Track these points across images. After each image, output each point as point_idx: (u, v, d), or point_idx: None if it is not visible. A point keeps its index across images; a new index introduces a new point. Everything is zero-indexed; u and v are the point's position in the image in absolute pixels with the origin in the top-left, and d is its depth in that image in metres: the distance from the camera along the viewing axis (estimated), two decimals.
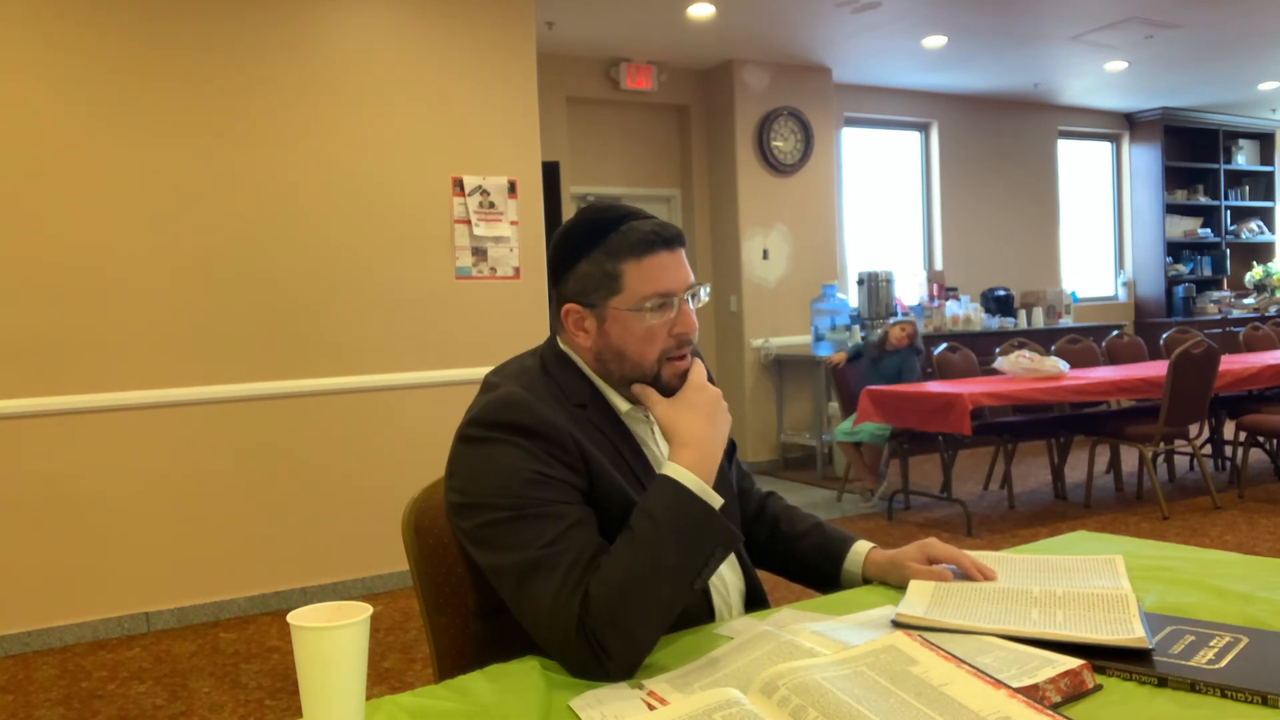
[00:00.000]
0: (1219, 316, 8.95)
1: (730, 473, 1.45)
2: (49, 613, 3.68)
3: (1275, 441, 5.86)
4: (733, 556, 1.39)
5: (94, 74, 3.75)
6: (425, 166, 4.34)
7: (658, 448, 1.36)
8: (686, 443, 1.19)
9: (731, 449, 1.47)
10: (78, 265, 3.73)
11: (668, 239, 1.26)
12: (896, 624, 1.14)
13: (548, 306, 4.59)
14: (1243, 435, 5.54)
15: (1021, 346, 5.62)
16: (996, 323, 7.67)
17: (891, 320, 5.79)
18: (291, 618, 0.91)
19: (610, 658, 1.07)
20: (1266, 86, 8.30)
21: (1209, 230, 9.42)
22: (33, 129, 3.66)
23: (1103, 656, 1.02)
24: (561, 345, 1.34)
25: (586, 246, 1.26)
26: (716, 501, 1.16)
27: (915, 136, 8.06)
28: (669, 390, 1.27)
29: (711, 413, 1.23)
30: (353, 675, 0.91)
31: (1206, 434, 6.28)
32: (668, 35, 6.03)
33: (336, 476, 4.18)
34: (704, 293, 1.31)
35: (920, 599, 1.22)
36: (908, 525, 5.04)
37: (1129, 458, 6.16)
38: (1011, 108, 8.39)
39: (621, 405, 1.32)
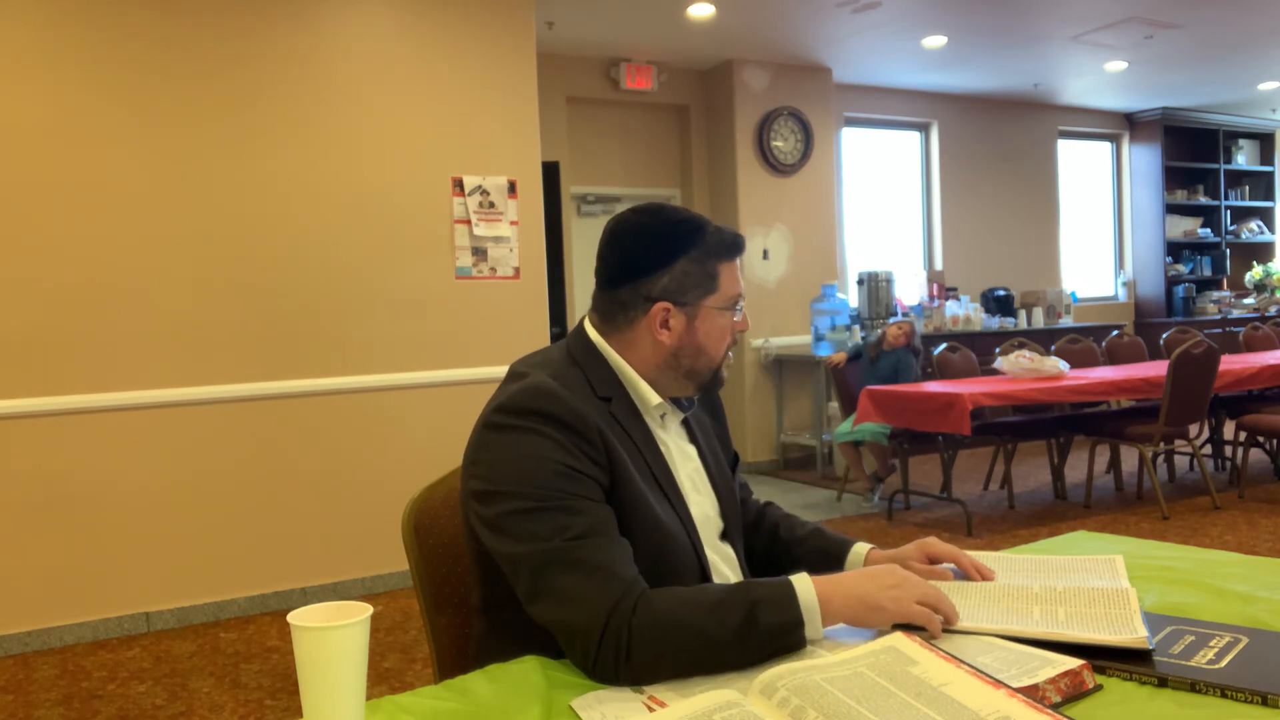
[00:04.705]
0: (1219, 316, 8.95)
1: (735, 480, 1.47)
2: (49, 613, 3.68)
3: (1275, 441, 5.86)
4: (736, 564, 1.40)
5: (93, 74, 3.75)
6: (425, 166, 4.34)
7: (675, 448, 1.37)
8: (844, 589, 1.13)
9: (734, 461, 1.50)
10: (78, 265, 3.73)
11: (742, 245, 1.35)
12: (896, 624, 1.14)
13: (547, 305, 4.61)
14: (1243, 435, 5.54)
15: (1021, 346, 5.62)
16: (996, 323, 7.67)
17: (890, 320, 5.79)
18: (291, 618, 0.91)
19: (630, 664, 1.06)
20: (1266, 86, 8.30)
21: (1209, 230, 9.41)
22: (33, 129, 3.66)
23: (1103, 656, 1.02)
24: (594, 338, 1.33)
25: (688, 245, 1.29)
26: (818, 632, 1.10)
27: (915, 136, 8.06)
28: (720, 383, 1.36)
29: (890, 600, 1.13)
30: (353, 675, 0.91)
31: (1206, 434, 6.28)
32: (668, 35, 6.03)
33: (337, 476, 4.18)
34: None
35: None
36: (908, 525, 5.04)
37: (1129, 458, 6.16)
38: (1011, 108, 8.39)
39: (652, 398, 1.32)
